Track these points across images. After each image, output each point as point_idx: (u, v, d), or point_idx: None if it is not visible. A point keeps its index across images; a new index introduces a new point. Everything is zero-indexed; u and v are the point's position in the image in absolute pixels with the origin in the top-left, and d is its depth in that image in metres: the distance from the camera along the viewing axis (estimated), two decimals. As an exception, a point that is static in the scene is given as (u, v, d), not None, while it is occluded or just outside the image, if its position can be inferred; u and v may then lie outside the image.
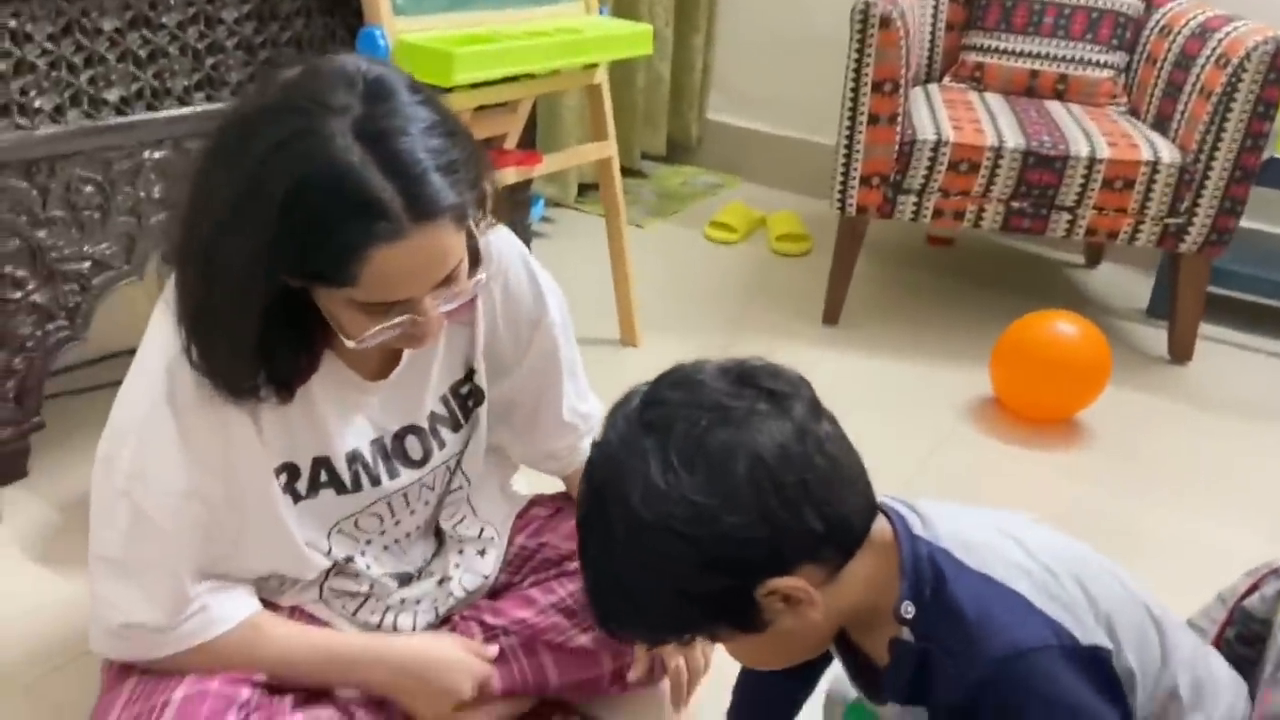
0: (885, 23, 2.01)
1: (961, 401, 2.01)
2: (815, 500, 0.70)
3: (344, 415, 1.02)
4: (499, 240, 1.07)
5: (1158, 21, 2.30)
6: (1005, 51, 2.38)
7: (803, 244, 2.70)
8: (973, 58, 2.43)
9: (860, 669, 0.82)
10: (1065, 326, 1.89)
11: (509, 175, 1.84)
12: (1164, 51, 2.22)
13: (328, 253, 0.84)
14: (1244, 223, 2.13)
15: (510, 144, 1.96)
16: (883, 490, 0.80)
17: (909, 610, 0.73)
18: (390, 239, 0.83)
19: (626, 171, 3.05)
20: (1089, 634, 0.71)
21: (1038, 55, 2.36)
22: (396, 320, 0.90)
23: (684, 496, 0.68)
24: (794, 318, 2.32)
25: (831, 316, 2.28)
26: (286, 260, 0.84)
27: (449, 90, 1.56)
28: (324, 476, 1.03)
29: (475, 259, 0.97)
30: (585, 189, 2.90)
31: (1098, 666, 0.71)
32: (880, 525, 0.76)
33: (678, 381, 0.74)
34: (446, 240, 0.87)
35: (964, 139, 2.06)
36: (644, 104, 3.02)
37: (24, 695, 1.21)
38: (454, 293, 0.93)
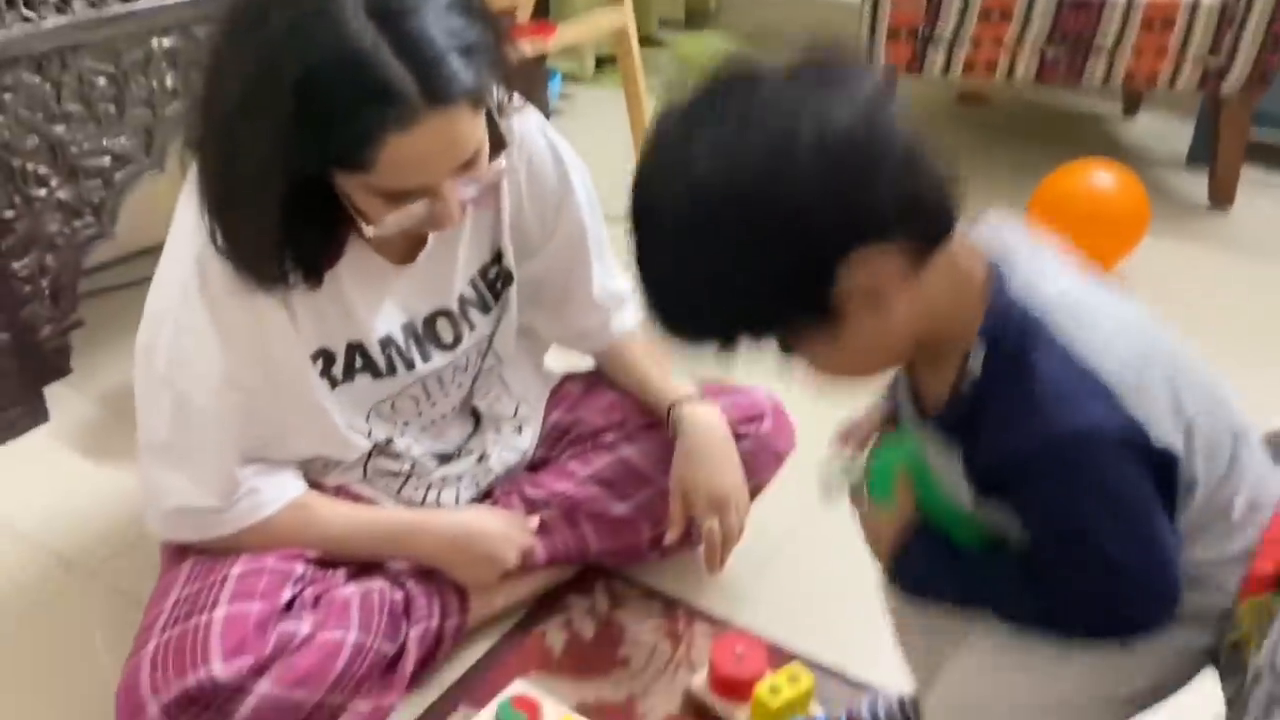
0: None
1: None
2: (887, 173, 0.64)
3: (374, 300, 1.02)
4: (521, 119, 1.05)
5: None
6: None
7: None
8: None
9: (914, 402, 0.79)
10: (1102, 176, 1.84)
11: (522, 49, 1.79)
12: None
13: (342, 139, 0.83)
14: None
15: (522, 17, 1.90)
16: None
17: (977, 360, 0.68)
18: (405, 125, 0.82)
19: (644, 40, 2.96)
20: (1164, 436, 0.67)
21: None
22: (415, 206, 0.89)
23: (747, 163, 0.63)
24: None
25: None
26: (302, 145, 0.83)
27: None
28: (359, 361, 1.04)
29: (498, 142, 0.95)
30: (602, 62, 2.83)
31: (1163, 471, 0.68)
32: (973, 258, 0.71)
33: (735, 69, 0.68)
34: (464, 125, 0.86)
35: (996, -16, 1.97)
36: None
37: (91, 579, 1.26)
38: (475, 177, 0.92)
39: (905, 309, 0.67)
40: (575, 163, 1.13)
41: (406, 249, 1.03)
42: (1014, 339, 0.68)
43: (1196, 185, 2.24)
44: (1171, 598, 0.69)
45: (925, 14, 2.02)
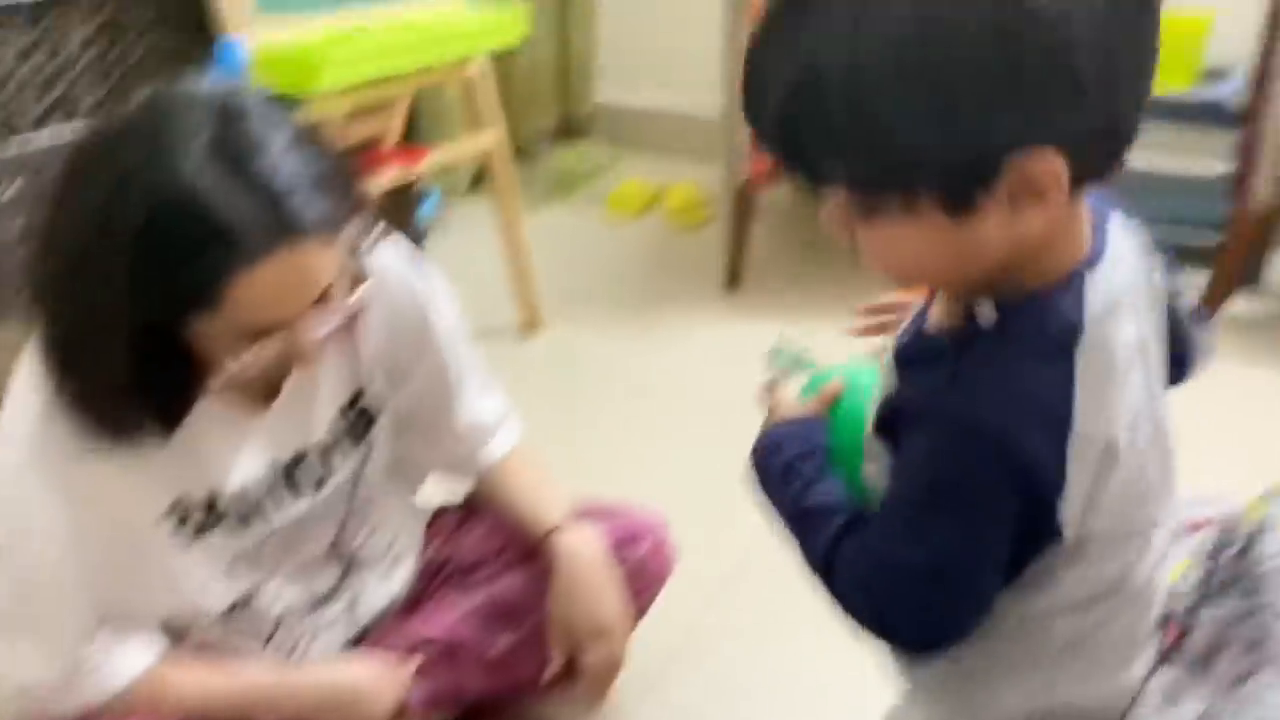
0: (756, -9, 2.01)
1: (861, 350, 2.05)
2: (1119, 81, 0.57)
3: (229, 449, 1.00)
4: (381, 251, 1.06)
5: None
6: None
7: (701, 214, 2.71)
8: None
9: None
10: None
11: (391, 176, 1.81)
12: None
13: (188, 283, 0.81)
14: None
15: (390, 142, 1.92)
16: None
17: (989, 314, 0.63)
18: (253, 261, 0.80)
19: (520, 154, 3.02)
20: (1066, 514, 0.64)
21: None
22: (270, 344, 0.88)
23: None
24: (696, 288, 2.34)
25: (732, 282, 2.31)
26: (147, 294, 0.81)
27: (317, 96, 1.52)
28: (214, 514, 1.00)
29: (357, 275, 0.95)
30: (480, 176, 2.87)
31: (1035, 524, 0.64)
32: (1083, 229, 0.65)
33: None
34: (315, 259, 0.85)
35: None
36: (532, 85, 2.99)
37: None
38: (332, 312, 0.91)
39: (1034, 228, 0.60)
40: (438, 291, 1.14)
41: (264, 392, 1.01)
42: (1039, 333, 0.64)
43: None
44: (953, 619, 0.67)
45: (781, 129, 2.11)
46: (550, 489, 1.21)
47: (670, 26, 3.02)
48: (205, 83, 0.85)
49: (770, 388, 0.84)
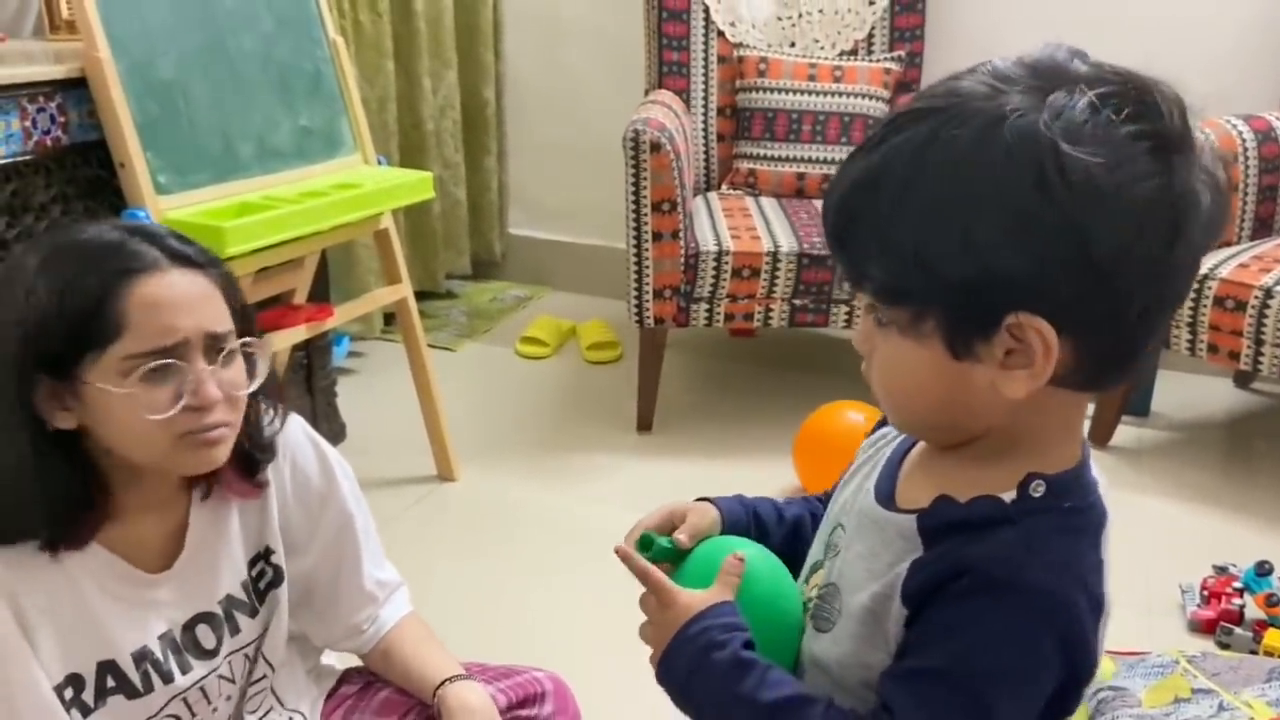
0: (655, 148, 2.12)
1: (774, 492, 2.09)
2: (1115, 269, 0.60)
3: (127, 611, 0.98)
4: (286, 422, 1.08)
5: (902, 121, 2.52)
6: (773, 158, 2.55)
7: (613, 351, 2.78)
8: (745, 165, 2.59)
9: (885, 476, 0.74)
10: (853, 415, 2.02)
11: (300, 332, 1.83)
12: (911, 148, 2.43)
13: (84, 302, 0.87)
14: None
15: (300, 298, 1.95)
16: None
17: (1039, 489, 0.65)
18: (149, 272, 0.89)
19: (433, 295, 3.07)
20: (1097, 654, 0.66)
21: (802, 159, 2.54)
22: (167, 389, 0.90)
23: (1057, 146, 0.58)
24: (609, 428, 2.38)
25: (645, 425, 2.35)
26: (47, 343, 0.86)
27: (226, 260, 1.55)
28: (111, 682, 0.98)
29: (266, 448, 1.04)
30: (392, 317, 2.90)
31: (1077, 655, 0.64)
32: (1078, 431, 0.69)
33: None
34: (207, 289, 0.93)
35: (743, 247, 2.19)
36: (445, 227, 3.06)
37: None
38: (229, 379, 0.94)
39: (1016, 393, 0.63)
40: (337, 458, 1.16)
41: (162, 552, 1.01)
42: (1084, 513, 0.67)
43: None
44: None
45: (684, 274, 2.20)
46: (440, 650, 1.21)
47: (580, 169, 3.14)
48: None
49: (650, 587, 0.76)
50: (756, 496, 0.89)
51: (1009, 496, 0.66)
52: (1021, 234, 0.60)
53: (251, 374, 0.98)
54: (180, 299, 0.91)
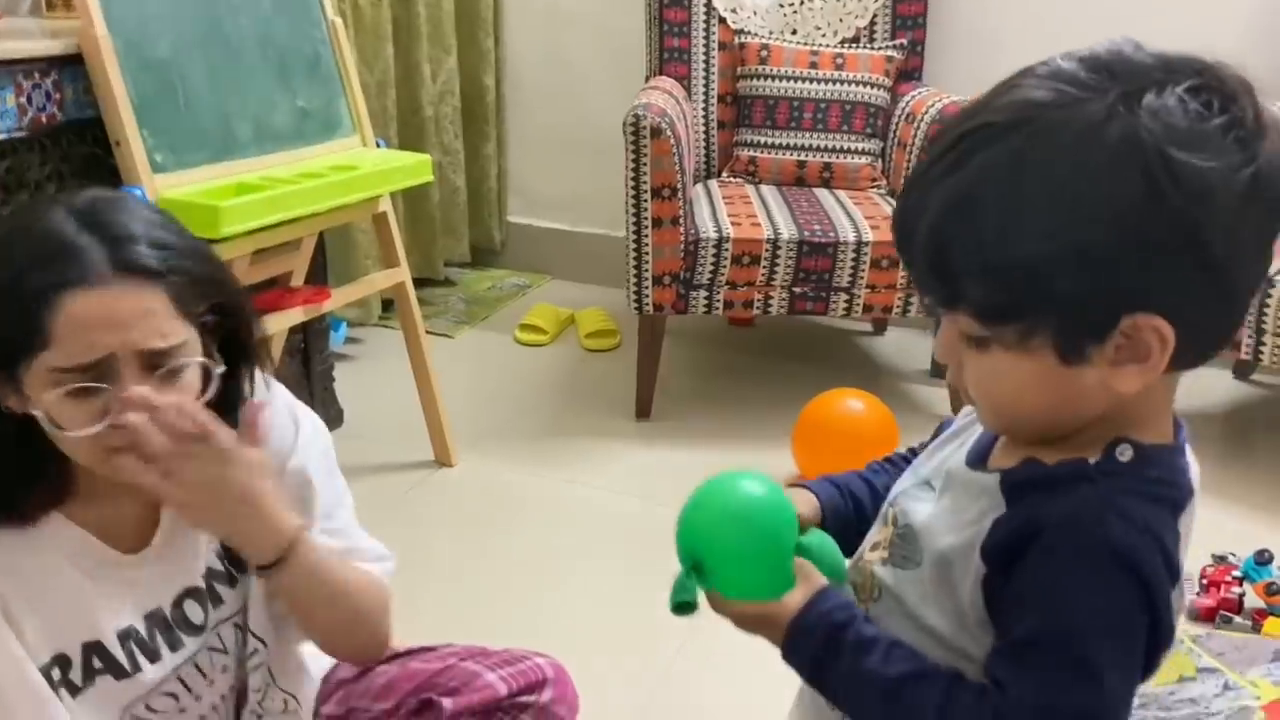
0: (656, 133, 2.11)
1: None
2: (1230, 261, 0.61)
3: (108, 592, 0.97)
4: (265, 385, 1.06)
5: (902, 110, 2.51)
6: (774, 146, 2.54)
7: (612, 339, 2.77)
8: (745, 153, 2.58)
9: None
10: (853, 403, 2.01)
11: (296, 314, 1.82)
12: (911, 136, 2.42)
13: (18, 305, 0.83)
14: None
15: (297, 281, 1.94)
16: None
17: (1125, 452, 0.66)
18: (85, 284, 0.83)
19: (432, 282, 3.06)
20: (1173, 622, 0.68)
21: (802, 147, 2.53)
22: (100, 401, 0.86)
23: (1164, 151, 0.59)
24: (608, 415, 2.37)
25: (643, 411, 2.35)
26: None
27: (220, 240, 1.54)
28: (98, 663, 0.97)
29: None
30: (390, 305, 2.89)
31: (1160, 619, 0.65)
32: (1170, 423, 0.71)
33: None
34: (154, 304, 0.86)
35: (743, 234, 2.18)
36: (444, 214, 3.05)
37: None
38: (173, 388, 0.89)
39: (1129, 388, 0.64)
40: (315, 429, 1.12)
41: (137, 531, 0.99)
42: (1172, 484, 0.68)
43: (940, 396, 2.47)
44: None
45: (684, 261, 2.20)
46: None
47: (580, 158, 3.12)
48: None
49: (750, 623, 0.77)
50: (847, 473, 0.91)
51: (1094, 459, 0.67)
52: (1137, 242, 0.60)
53: (206, 386, 0.92)
54: (112, 316, 0.85)
